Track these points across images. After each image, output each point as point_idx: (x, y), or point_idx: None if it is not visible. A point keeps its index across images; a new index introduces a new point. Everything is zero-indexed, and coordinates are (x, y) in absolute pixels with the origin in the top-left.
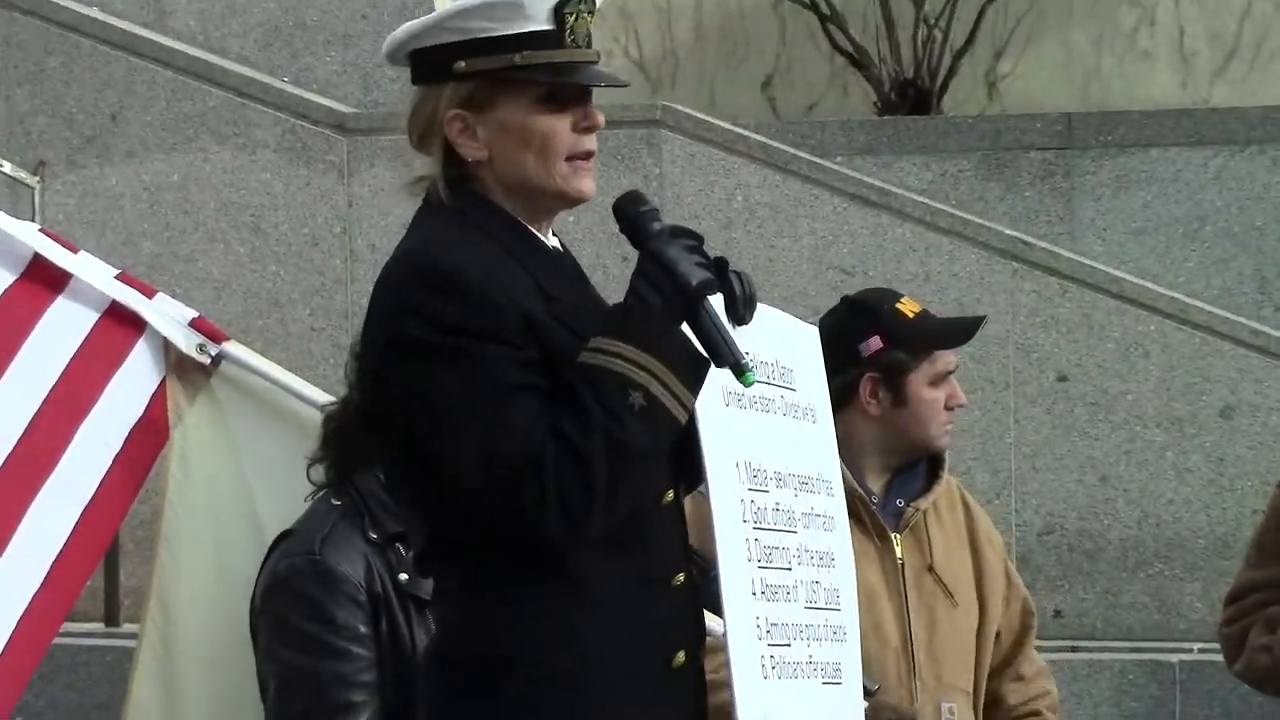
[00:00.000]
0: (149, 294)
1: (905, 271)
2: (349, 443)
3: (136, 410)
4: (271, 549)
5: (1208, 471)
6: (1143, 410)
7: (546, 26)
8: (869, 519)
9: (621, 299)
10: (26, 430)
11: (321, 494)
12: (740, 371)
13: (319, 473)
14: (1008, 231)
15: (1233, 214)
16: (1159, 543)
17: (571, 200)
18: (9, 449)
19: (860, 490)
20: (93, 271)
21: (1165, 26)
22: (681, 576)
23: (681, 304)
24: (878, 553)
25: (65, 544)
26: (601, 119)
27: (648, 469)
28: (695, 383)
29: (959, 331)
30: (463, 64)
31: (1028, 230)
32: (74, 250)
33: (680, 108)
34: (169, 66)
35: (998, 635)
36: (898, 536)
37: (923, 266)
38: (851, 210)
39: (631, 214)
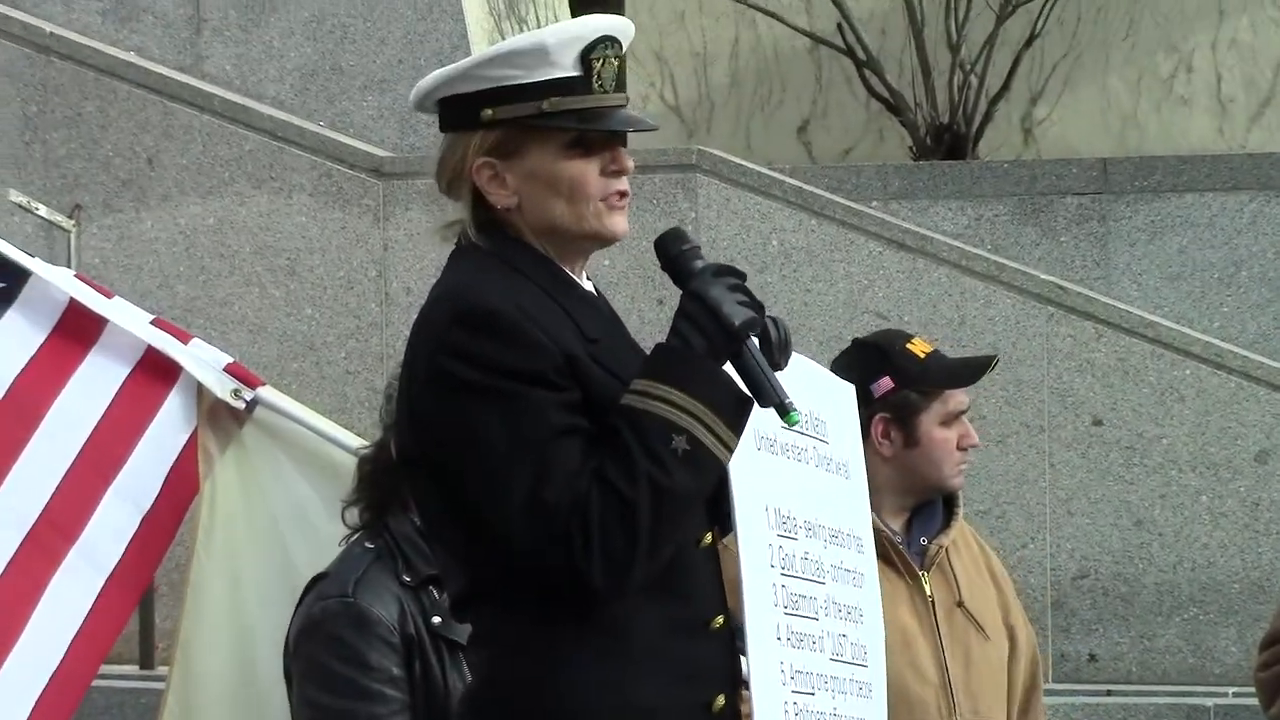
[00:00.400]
0: (184, 339)
1: (940, 316)
2: (383, 485)
3: (167, 465)
4: (306, 592)
5: (1243, 516)
6: (1178, 454)
7: (574, 72)
8: (898, 558)
9: (662, 339)
10: (57, 490)
11: (355, 537)
12: (785, 411)
13: (354, 515)
14: (1043, 276)
15: (1268, 259)
16: (1194, 587)
17: (605, 240)
18: (39, 509)
19: (887, 530)
20: (128, 317)
21: (1202, 72)
22: (720, 619)
23: (725, 344)
24: (909, 591)
25: (93, 605)
26: (630, 163)
27: (690, 513)
28: (739, 424)
29: (969, 371)
30: (490, 112)
31: (1063, 275)
32: (109, 295)
33: (716, 152)
34: (205, 110)
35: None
36: (925, 575)
37: (958, 311)
38: (887, 254)
39: (674, 252)
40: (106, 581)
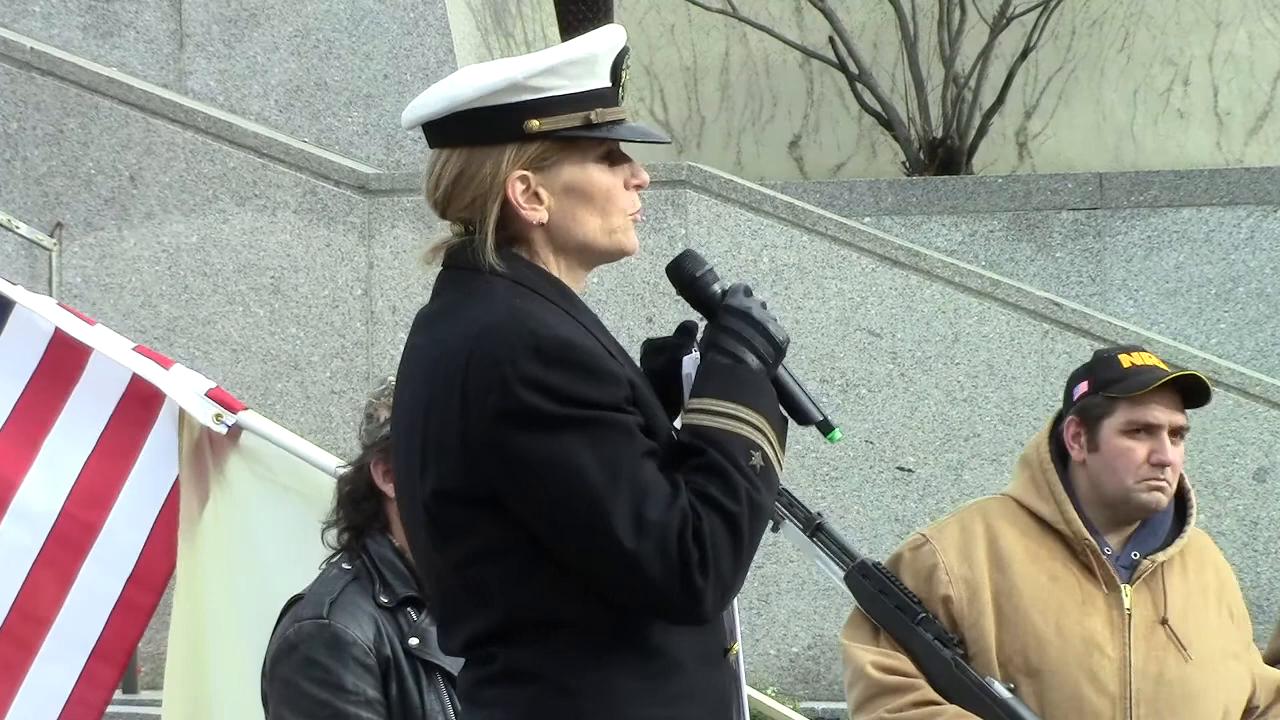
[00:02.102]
0: (166, 365)
1: (934, 333)
2: (362, 507)
3: (149, 523)
4: (282, 614)
5: (1241, 535)
6: None
7: (608, 83)
8: (1098, 568)
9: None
10: (28, 578)
11: (333, 558)
12: (828, 429)
13: (333, 535)
14: (1038, 292)
15: (1266, 275)
16: None
17: (625, 256)
18: (38, 547)
19: (1090, 539)
20: (111, 345)
21: (1199, 86)
22: (737, 646)
23: (775, 361)
24: (1105, 601)
25: (74, 686)
26: (647, 177)
27: None
28: (785, 443)
29: (1150, 379)
30: (535, 123)
31: (1059, 291)
32: (91, 323)
33: (706, 168)
34: (188, 127)
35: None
36: (1127, 588)
37: (952, 328)
38: (880, 271)
39: (697, 273)
40: (89, 658)
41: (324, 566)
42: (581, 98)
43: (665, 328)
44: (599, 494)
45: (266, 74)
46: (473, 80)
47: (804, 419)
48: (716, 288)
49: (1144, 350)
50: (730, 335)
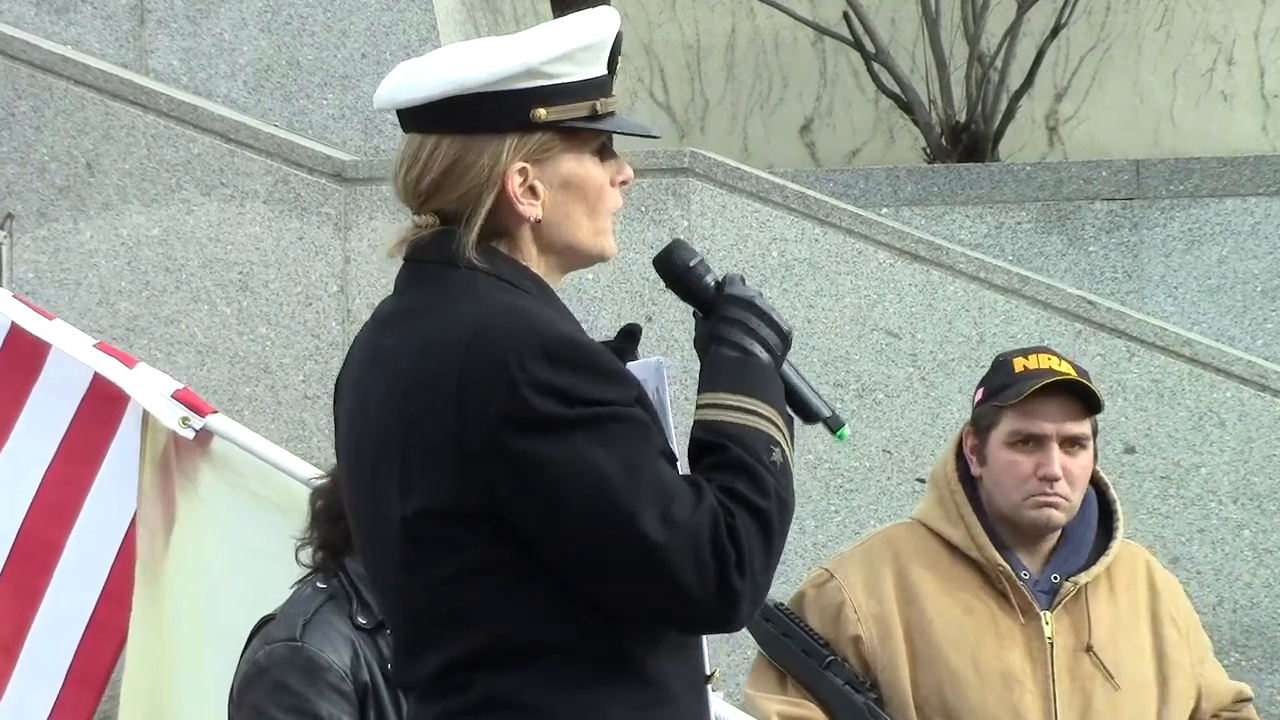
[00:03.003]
0: (129, 364)
1: (957, 333)
2: (338, 522)
3: (119, 536)
4: (251, 636)
5: None
6: (1218, 485)
7: (605, 71)
8: (1014, 595)
9: (652, 356)
10: (15, 543)
11: (307, 577)
12: (836, 425)
13: (308, 554)
14: (1070, 290)
15: None
16: (1235, 630)
17: (604, 260)
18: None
19: (1003, 564)
20: (70, 341)
21: (1244, 65)
22: (717, 672)
23: (782, 353)
24: (1023, 631)
25: (66, 675)
26: (632, 172)
27: None
28: (793, 440)
29: (1028, 386)
30: (543, 112)
31: (1092, 288)
32: (49, 318)
33: (710, 154)
34: (150, 110)
35: None
36: (1047, 615)
37: (976, 328)
38: (898, 266)
39: (688, 264)
40: (62, 686)
41: (297, 584)
42: (587, 86)
43: (666, 327)
44: (622, 497)
45: (234, 53)
46: (481, 63)
47: (810, 416)
48: (710, 279)
49: (1046, 352)
50: (735, 326)
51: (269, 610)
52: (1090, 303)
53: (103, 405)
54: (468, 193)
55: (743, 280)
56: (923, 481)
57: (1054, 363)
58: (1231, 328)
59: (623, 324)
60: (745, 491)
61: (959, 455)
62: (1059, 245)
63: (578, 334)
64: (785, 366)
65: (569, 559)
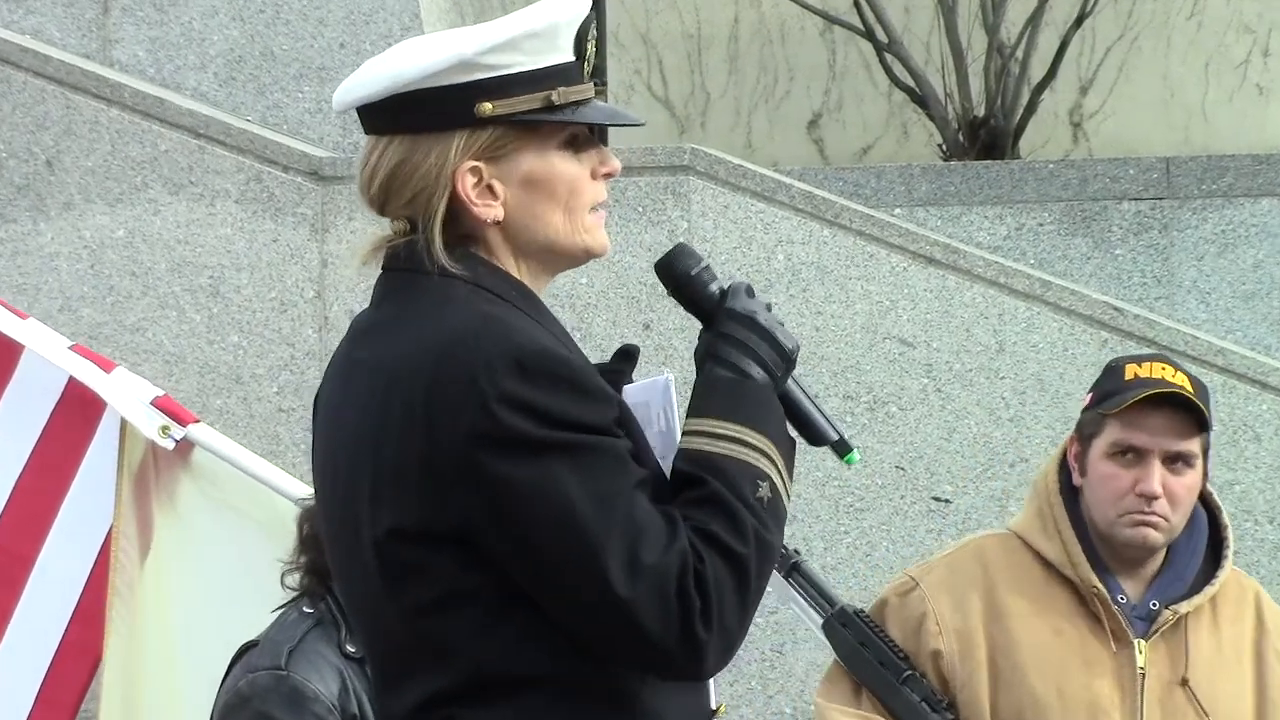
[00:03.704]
0: (107, 368)
1: (975, 342)
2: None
3: (96, 546)
4: (233, 663)
5: None
6: (1253, 503)
7: (570, 57)
8: (1107, 619)
9: (654, 370)
10: None
11: (292, 601)
12: (845, 450)
13: (294, 578)
14: (1096, 295)
15: None
16: None
17: (593, 257)
18: None
19: (1098, 585)
20: (45, 342)
21: None
22: (723, 706)
23: (783, 374)
24: (1112, 659)
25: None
26: (618, 164)
27: None
28: (793, 469)
29: (1134, 395)
30: (489, 106)
31: (1119, 294)
32: (23, 316)
33: (711, 151)
34: (114, 104)
35: None
36: (1141, 643)
37: (996, 336)
38: (912, 271)
39: (690, 271)
40: (32, 711)
41: (281, 609)
42: (540, 75)
43: (665, 335)
44: (589, 532)
45: (204, 43)
46: (417, 58)
47: (817, 439)
48: (714, 288)
49: (1163, 361)
50: (732, 344)
51: (248, 632)
52: (1117, 309)
53: (78, 411)
54: (418, 196)
55: (749, 291)
56: (939, 500)
57: (1168, 373)
58: (1268, 336)
59: (619, 331)
60: (721, 534)
61: (1063, 465)
62: (1084, 248)
63: (556, 347)
64: (790, 384)
65: (535, 588)
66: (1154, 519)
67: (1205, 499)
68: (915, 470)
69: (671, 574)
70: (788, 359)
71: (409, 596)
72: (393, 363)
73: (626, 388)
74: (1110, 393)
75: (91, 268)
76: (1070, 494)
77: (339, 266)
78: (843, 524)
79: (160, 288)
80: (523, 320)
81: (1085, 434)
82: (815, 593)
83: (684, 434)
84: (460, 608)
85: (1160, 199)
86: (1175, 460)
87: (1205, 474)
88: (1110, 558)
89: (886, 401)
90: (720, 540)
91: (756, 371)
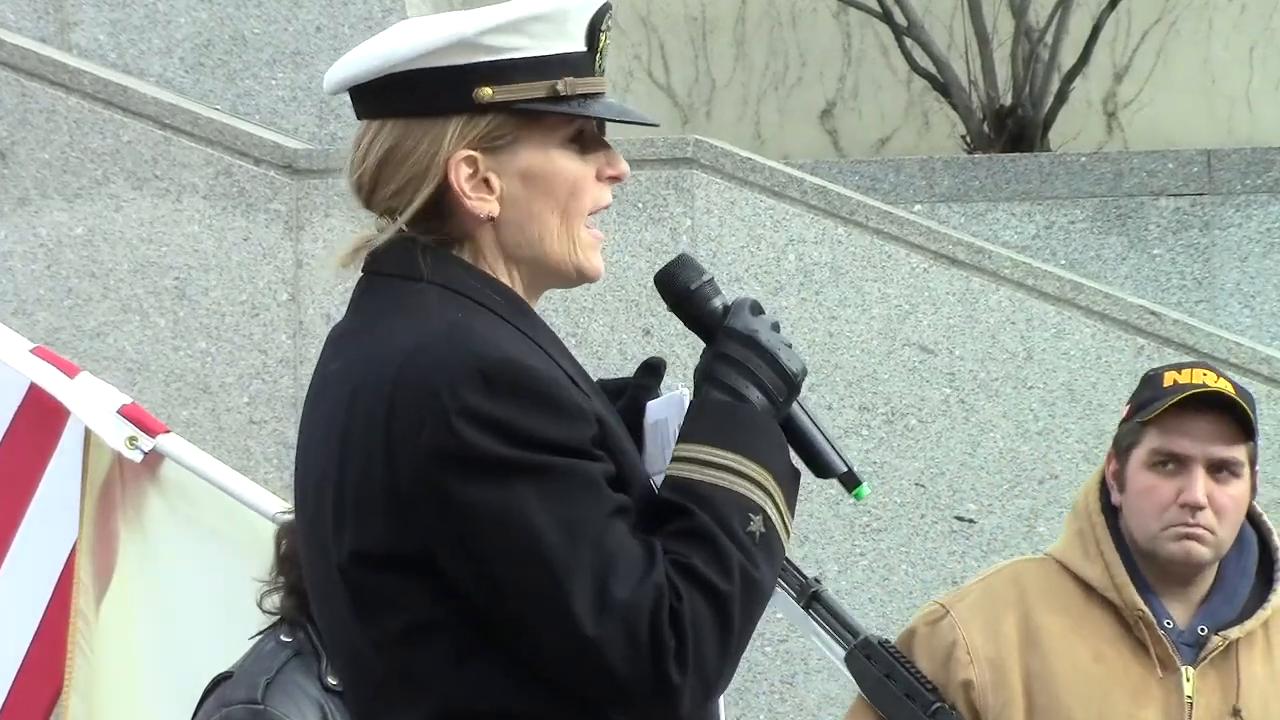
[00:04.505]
0: (70, 373)
1: (1001, 348)
2: None
3: (61, 555)
4: (205, 696)
5: None
6: None
7: (580, 47)
8: (1153, 645)
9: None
10: None
11: (270, 629)
12: (853, 484)
13: (273, 601)
14: (1131, 299)
15: None
16: None
17: (586, 280)
18: None
19: (1143, 608)
20: (5, 345)
21: None
22: None
23: (786, 400)
24: (1160, 687)
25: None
26: (626, 167)
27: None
28: (794, 500)
29: (1171, 399)
30: (488, 91)
31: (1156, 297)
32: None
33: (717, 143)
34: (73, 92)
35: None
36: (1189, 670)
37: (1023, 343)
38: (934, 272)
39: (691, 285)
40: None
41: (258, 637)
42: (546, 63)
43: (666, 341)
44: (555, 563)
45: (169, 25)
46: (413, 36)
47: (824, 470)
48: (717, 303)
49: (1204, 367)
50: (730, 365)
51: (222, 662)
52: (1154, 314)
53: (40, 420)
54: (406, 185)
55: (754, 308)
56: (962, 519)
57: (1210, 378)
58: None
59: (617, 337)
60: (702, 569)
61: (1103, 484)
62: (1118, 248)
63: (524, 356)
64: (797, 411)
65: (497, 620)
66: (1199, 532)
67: (1253, 518)
68: (936, 487)
69: (644, 611)
70: (791, 383)
71: (377, 626)
72: (357, 376)
73: (650, 403)
74: (1148, 400)
75: (48, 268)
76: (1111, 513)
77: (315, 267)
78: (858, 545)
79: (122, 290)
80: (496, 327)
81: (1123, 447)
82: (837, 623)
83: (672, 461)
84: (429, 638)
85: (1201, 195)
86: (1220, 469)
87: (1253, 488)
88: (1155, 578)
89: (905, 413)
90: (700, 575)
91: (754, 395)
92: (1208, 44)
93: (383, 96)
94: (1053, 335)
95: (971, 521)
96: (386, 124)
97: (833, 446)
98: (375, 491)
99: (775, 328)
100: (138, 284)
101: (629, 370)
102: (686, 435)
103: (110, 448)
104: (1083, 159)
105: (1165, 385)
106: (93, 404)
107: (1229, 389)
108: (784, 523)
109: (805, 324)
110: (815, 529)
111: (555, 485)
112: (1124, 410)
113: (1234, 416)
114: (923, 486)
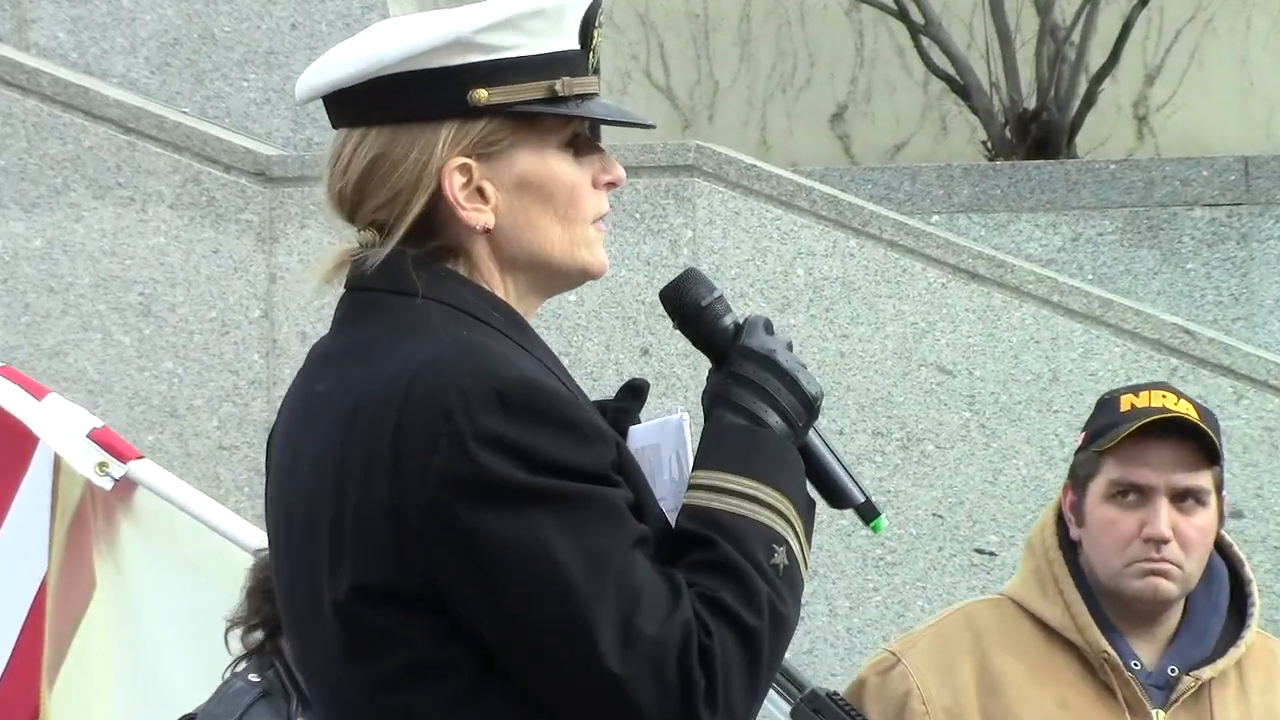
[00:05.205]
0: (38, 394)
1: (1024, 369)
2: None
3: (29, 591)
4: None
5: None
6: None
7: (575, 45)
8: (1120, 688)
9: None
10: None
11: (240, 668)
12: (871, 515)
13: (243, 638)
14: (1164, 316)
15: None
16: None
17: (590, 278)
18: None
19: (1109, 650)
20: None
21: None
22: None
23: (805, 424)
24: None
25: None
26: (623, 173)
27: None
28: (812, 534)
29: (1130, 425)
30: (484, 93)
31: (1190, 314)
32: None
33: (720, 149)
34: (30, 94)
35: None
36: (1160, 713)
37: (1048, 363)
38: (953, 288)
39: (701, 302)
40: None
41: (228, 673)
42: (543, 62)
43: (666, 362)
44: (578, 597)
45: (134, 23)
46: (401, 36)
47: (839, 500)
48: (728, 321)
49: (1163, 389)
50: (746, 386)
51: (196, 700)
52: (1188, 332)
53: (8, 444)
54: (395, 197)
55: (768, 327)
56: (982, 552)
57: (1169, 400)
58: None
59: (613, 356)
60: (731, 604)
61: (1060, 517)
62: (1150, 261)
63: (544, 377)
64: (813, 438)
65: (513, 659)
66: (1165, 566)
67: (1223, 548)
68: (955, 518)
69: (672, 647)
70: (811, 407)
71: (373, 667)
72: (355, 397)
73: (633, 428)
74: (1104, 427)
75: (4, 283)
76: (1070, 549)
77: (290, 282)
78: (871, 580)
79: (83, 306)
80: (505, 346)
81: (1080, 478)
82: (782, 675)
83: (689, 488)
84: (430, 681)
85: (1238, 204)
86: (1185, 497)
87: (1221, 515)
88: (1119, 617)
89: (922, 438)
90: (730, 611)
91: (773, 419)
92: (1245, 43)
93: (367, 102)
94: (1080, 355)
95: (992, 555)
96: (370, 131)
97: (849, 475)
98: (378, 520)
99: (790, 348)
100: (100, 300)
101: None
102: (703, 462)
103: (81, 476)
104: (1112, 166)
105: (1122, 410)
106: (61, 427)
107: (1191, 412)
108: (803, 555)
109: (815, 343)
110: (825, 562)
111: (577, 513)
112: (1078, 439)
113: (1197, 441)
114: (940, 517)
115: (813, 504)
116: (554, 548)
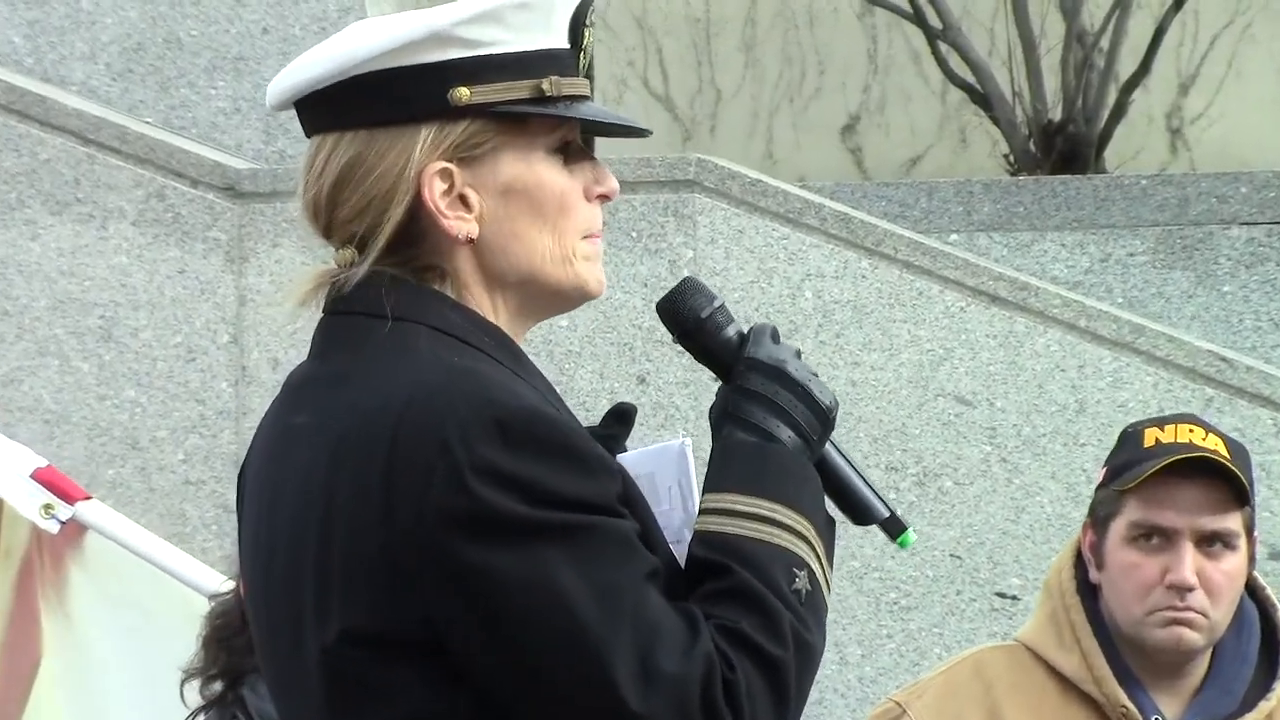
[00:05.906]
0: None
1: (1049, 399)
2: (239, 646)
3: None
4: None
5: None
6: None
7: (564, 43)
8: None
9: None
10: None
11: (198, 716)
12: (898, 530)
13: (197, 690)
14: (1198, 343)
15: None
16: None
17: (588, 297)
18: None
19: (1127, 704)
20: None
21: None
22: None
23: (820, 439)
24: None
25: None
26: (616, 184)
27: None
28: (833, 554)
29: (1155, 464)
30: (465, 92)
31: (1227, 341)
32: None
33: (723, 162)
34: None
35: None
36: None
37: (1075, 393)
38: (972, 312)
39: (701, 312)
40: None
41: None
42: (529, 59)
43: (664, 390)
44: (592, 635)
45: (95, 26)
46: (375, 33)
47: (863, 516)
48: (731, 331)
49: (1190, 422)
50: (755, 401)
51: None
52: (1224, 360)
53: None
54: (370, 206)
55: (774, 336)
56: (1004, 596)
57: (1196, 435)
58: None
59: (608, 385)
60: (753, 635)
61: (1078, 559)
62: (1184, 284)
63: (544, 405)
64: (830, 452)
65: (524, 705)
66: (1190, 616)
67: (1254, 590)
68: (975, 559)
69: (694, 683)
70: (825, 418)
71: (360, 717)
72: (340, 428)
73: (623, 456)
74: (1127, 464)
75: None
76: (1089, 593)
77: (261, 305)
78: (885, 625)
79: (39, 330)
80: (500, 373)
81: (1100, 517)
82: None
83: (701, 512)
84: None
85: (1277, 223)
86: (1212, 541)
87: (1251, 558)
88: (1141, 668)
89: (939, 474)
90: (753, 642)
91: (786, 434)
92: None
93: (340, 104)
94: (1108, 385)
95: (1015, 599)
96: (346, 136)
97: (871, 488)
98: (369, 561)
99: (799, 355)
100: (56, 323)
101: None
102: (714, 483)
103: (25, 519)
104: (1143, 182)
105: (1146, 445)
106: (2, 467)
107: (1220, 448)
108: (826, 578)
109: (824, 370)
110: (836, 606)
111: (585, 547)
112: (1100, 474)
113: (1226, 481)
114: (959, 558)
115: (833, 523)
116: (562, 584)
